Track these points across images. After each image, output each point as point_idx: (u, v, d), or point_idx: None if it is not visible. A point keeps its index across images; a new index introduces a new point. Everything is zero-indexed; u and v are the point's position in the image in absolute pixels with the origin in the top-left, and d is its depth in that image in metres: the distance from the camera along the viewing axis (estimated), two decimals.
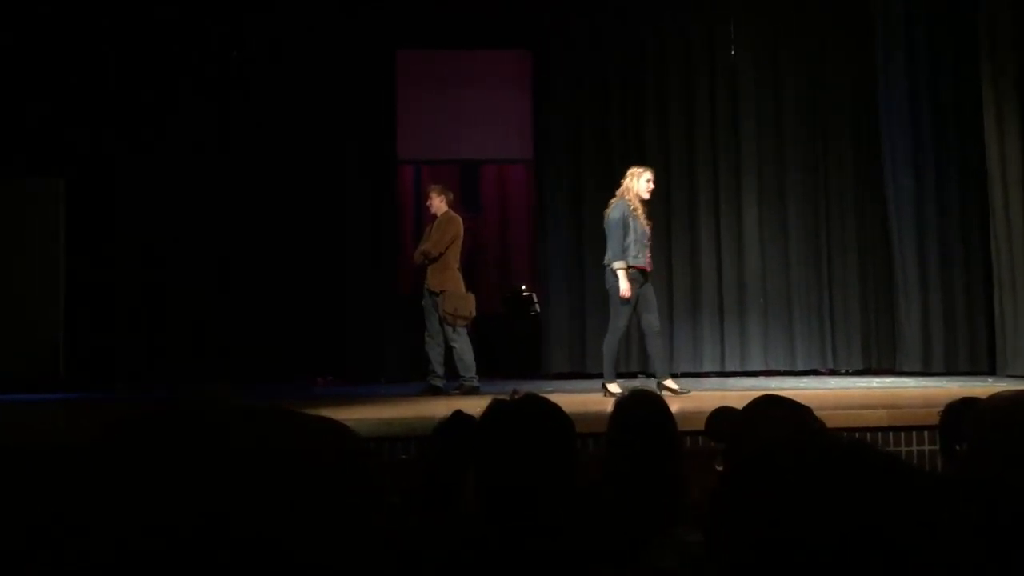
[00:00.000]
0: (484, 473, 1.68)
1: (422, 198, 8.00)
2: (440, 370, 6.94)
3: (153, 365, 8.26)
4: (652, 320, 6.38)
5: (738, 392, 6.15)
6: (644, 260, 6.36)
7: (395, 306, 8.83)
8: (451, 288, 6.94)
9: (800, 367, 8.81)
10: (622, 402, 2.56)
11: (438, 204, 7.14)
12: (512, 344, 9.48)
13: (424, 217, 11.50)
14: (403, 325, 8.82)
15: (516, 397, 1.78)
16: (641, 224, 6.37)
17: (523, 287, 10.80)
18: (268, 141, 8.65)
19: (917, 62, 8.61)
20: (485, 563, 1.54)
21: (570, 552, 1.55)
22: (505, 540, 1.55)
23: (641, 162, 8.86)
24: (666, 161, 8.85)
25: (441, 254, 6.96)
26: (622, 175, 8.96)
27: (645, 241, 6.39)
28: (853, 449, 0.83)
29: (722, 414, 2.60)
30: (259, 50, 8.72)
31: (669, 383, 6.33)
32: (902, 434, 4.87)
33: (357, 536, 0.63)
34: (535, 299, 9.97)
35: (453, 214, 7.16)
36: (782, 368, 8.82)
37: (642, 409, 2.49)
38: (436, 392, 6.83)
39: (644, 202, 6.48)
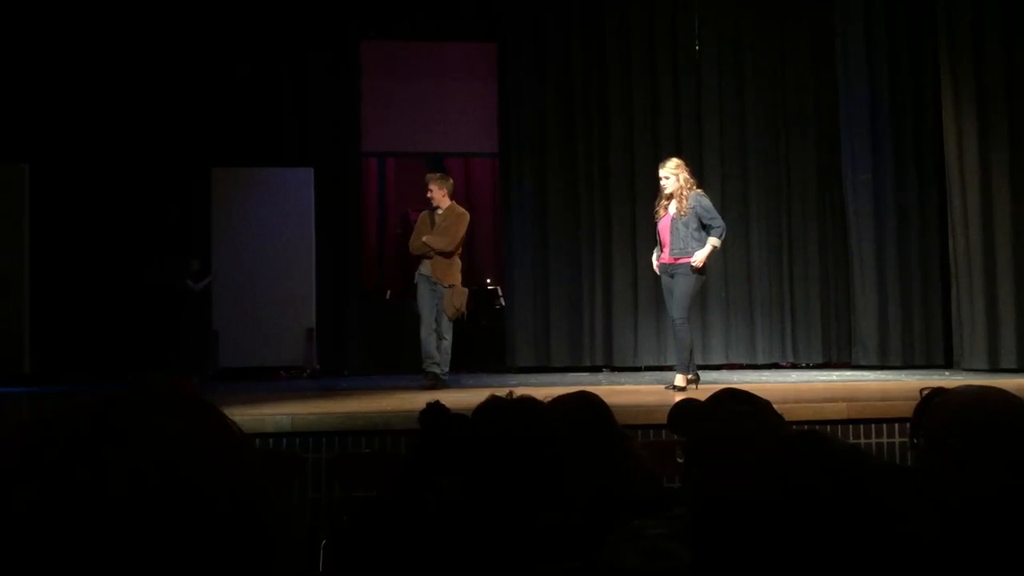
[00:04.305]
0: (473, 466, 1.69)
1: (392, 188, 7.86)
2: (440, 359, 6.77)
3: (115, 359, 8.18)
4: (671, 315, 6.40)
5: (700, 385, 6.19)
6: (659, 254, 6.41)
7: (358, 300, 8.79)
8: (459, 283, 6.84)
9: (761, 360, 8.90)
10: (554, 401, 2.57)
11: (440, 196, 6.85)
12: (477, 338, 9.47)
13: (389, 210, 11.49)
14: (365, 319, 8.82)
15: (512, 396, 1.81)
16: (656, 219, 6.44)
17: (488, 281, 10.80)
18: (229, 131, 8.54)
19: (876, 57, 8.71)
20: (461, 551, 1.54)
21: (538, 544, 1.56)
22: (484, 530, 1.56)
23: (605, 154, 8.96)
24: (630, 155, 8.90)
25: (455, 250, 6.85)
26: (586, 169, 9.05)
27: (657, 235, 6.44)
28: (809, 438, 0.86)
29: (684, 407, 2.61)
30: (221, 38, 8.59)
31: (677, 380, 6.26)
32: (861, 427, 4.94)
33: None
34: (500, 293, 9.97)
35: (463, 209, 7.00)
36: (743, 361, 8.91)
37: (568, 406, 2.50)
38: (439, 384, 6.63)
39: (671, 196, 6.33)
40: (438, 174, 7.17)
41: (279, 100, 8.73)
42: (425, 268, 6.82)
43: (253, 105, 8.56)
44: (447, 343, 6.79)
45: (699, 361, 8.88)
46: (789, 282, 9.04)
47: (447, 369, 6.85)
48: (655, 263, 6.47)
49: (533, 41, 9.02)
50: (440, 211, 6.87)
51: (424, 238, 6.81)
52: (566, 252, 8.93)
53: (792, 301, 9.02)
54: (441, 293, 6.76)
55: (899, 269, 8.64)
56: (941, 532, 1.19)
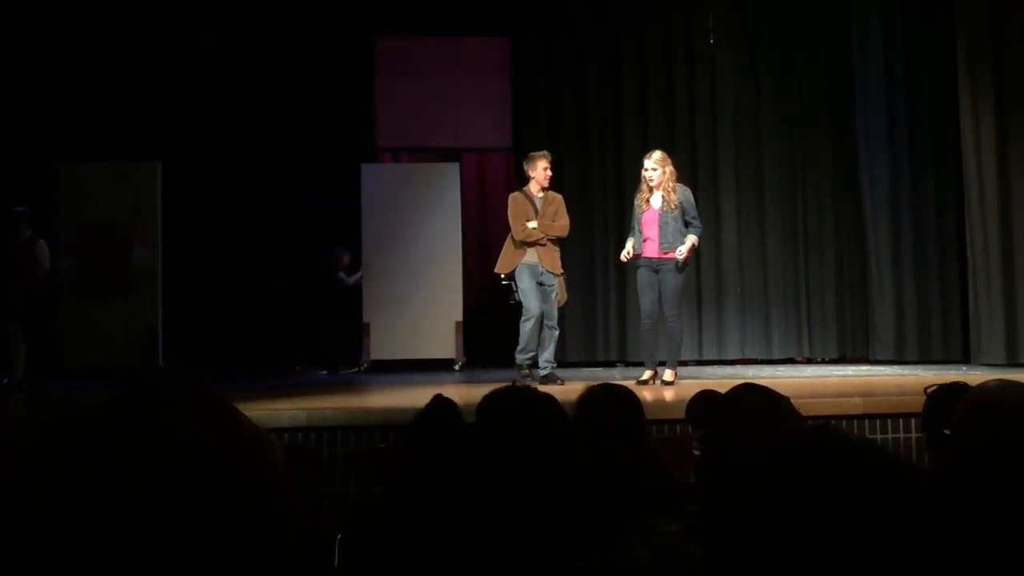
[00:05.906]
0: (480, 461, 1.69)
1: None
2: (549, 351, 6.59)
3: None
4: (662, 308, 6.30)
5: (716, 380, 6.17)
6: (640, 247, 6.29)
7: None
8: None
9: (776, 355, 8.87)
10: (585, 394, 2.57)
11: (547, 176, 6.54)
12: (491, 332, 9.46)
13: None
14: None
15: (515, 385, 1.82)
16: (639, 211, 6.32)
17: (503, 276, 10.77)
18: (247, 130, 8.59)
19: (893, 51, 8.64)
20: (467, 549, 1.55)
21: (551, 538, 1.56)
22: (491, 528, 1.56)
23: (619, 150, 8.94)
24: (644, 149, 8.83)
25: None
26: (600, 163, 9.02)
27: (639, 228, 6.30)
28: (821, 436, 0.85)
29: (703, 399, 2.61)
30: (235, 36, 8.62)
31: (666, 375, 6.28)
32: (877, 422, 4.92)
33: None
34: (515, 287, 9.94)
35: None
36: (759, 356, 8.88)
37: (606, 400, 2.50)
38: (554, 378, 6.47)
39: (656, 187, 6.25)
40: (544, 151, 6.82)
41: (286, 98, 8.77)
42: (532, 256, 6.55)
43: (261, 103, 8.61)
44: (557, 332, 6.67)
45: (714, 356, 8.90)
46: (805, 277, 8.99)
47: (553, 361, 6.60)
48: (628, 252, 6.33)
49: (546, 35, 9.00)
50: (541, 195, 6.60)
51: (532, 224, 6.49)
52: (580, 246, 8.91)
53: (808, 296, 8.97)
54: (551, 282, 6.58)
55: (916, 263, 8.58)
56: (953, 530, 1.19)
